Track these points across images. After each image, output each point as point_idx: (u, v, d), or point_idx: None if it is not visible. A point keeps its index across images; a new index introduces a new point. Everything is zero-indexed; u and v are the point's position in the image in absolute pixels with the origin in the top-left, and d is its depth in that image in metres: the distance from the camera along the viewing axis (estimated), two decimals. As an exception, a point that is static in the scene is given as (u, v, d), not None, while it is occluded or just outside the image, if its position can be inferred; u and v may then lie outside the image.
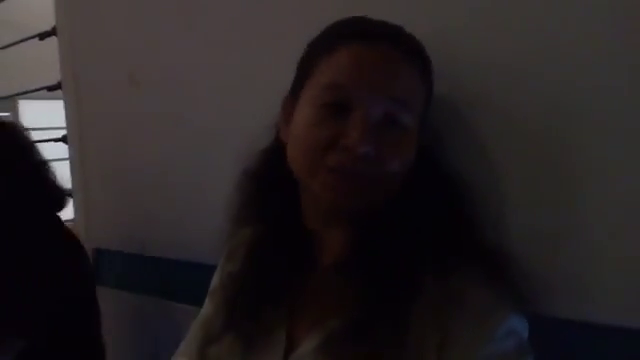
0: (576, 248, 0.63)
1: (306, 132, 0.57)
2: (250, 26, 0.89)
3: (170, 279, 1.08)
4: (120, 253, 1.19)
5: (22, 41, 1.39)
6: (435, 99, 0.64)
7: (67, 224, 1.04)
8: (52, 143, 1.30)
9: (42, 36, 1.28)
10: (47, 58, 1.30)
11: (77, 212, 1.26)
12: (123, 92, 1.11)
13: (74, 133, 1.24)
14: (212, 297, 0.72)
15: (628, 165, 0.60)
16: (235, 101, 0.92)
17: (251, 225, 0.68)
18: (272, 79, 0.64)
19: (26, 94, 1.52)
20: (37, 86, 1.37)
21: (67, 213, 1.09)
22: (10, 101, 4.69)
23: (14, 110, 5.17)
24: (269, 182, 0.65)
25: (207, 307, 0.72)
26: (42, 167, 1.01)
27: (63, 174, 1.26)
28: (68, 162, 1.28)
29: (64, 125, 1.27)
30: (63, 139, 1.28)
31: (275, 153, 0.64)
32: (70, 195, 1.10)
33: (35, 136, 1.10)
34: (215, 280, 0.74)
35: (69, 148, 1.25)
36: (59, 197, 1.03)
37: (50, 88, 1.29)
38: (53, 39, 1.27)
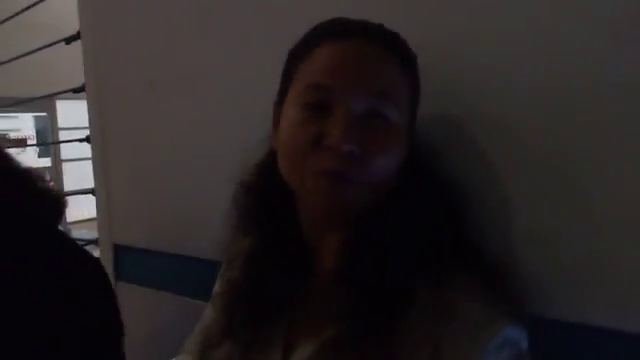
0: (576, 251, 0.63)
1: (289, 134, 0.57)
2: (263, 32, 0.91)
3: (188, 276, 1.11)
4: (139, 249, 1.23)
5: (49, 45, 1.44)
6: (433, 101, 0.64)
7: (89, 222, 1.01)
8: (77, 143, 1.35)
9: (68, 40, 1.33)
10: (78, 60, 1.33)
11: (99, 210, 1.30)
12: (143, 94, 1.14)
13: (96, 133, 1.28)
14: (213, 302, 0.73)
15: (628, 167, 0.59)
16: (249, 102, 0.94)
17: (249, 235, 0.68)
18: None
19: (58, 95, 1.58)
20: (67, 87, 1.41)
21: (89, 212, 1.09)
22: (47, 101, 4.85)
23: (51, 110, 5.35)
24: (265, 193, 0.65)
25: (208, 311, 0.74)
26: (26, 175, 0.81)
27: (88, 173, 1.32)
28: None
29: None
30: (87, 139, 1.32)
31: (268, 165, 0.64)
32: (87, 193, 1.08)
33: (67, 135, 1.11)
34: (216, 286, 0.75)
35: (92, 148, 1.30)
36: (56, 206, 0.84)
37: (75, 90, 1.34)
38: (79, 42, 1.32)
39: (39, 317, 0.69)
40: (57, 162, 5.40)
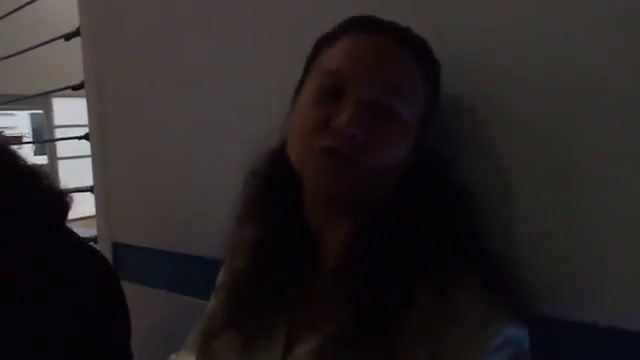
0: (580, 250, 0.63)
1: (301, 115, 0.59)
2: (263, 28, 0.91)
3: (187, 275, 1.10)
4: (139, 248, 1.22)
5: (48, 42, 1.43)
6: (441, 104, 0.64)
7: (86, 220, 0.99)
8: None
9: (67, 37, 1.33)
10: (75, 57, 1.33)
11: (98, 208, 1.30)
12: (143, 92, 1.14)
13: (95, 131, 1.27)
14: (217, 293, 0.73)
15: (632, 167, 0.59)
16: (249, 100, 0.94)
17: (255, 224, 0.69)
18: (285, 79, 0.65)
19: (56, 92, 1.57)
20: (65, 85, 1.41)
21: (84, 210, 1.09)
22: (44, 98, 4.83)
23: (47, 107, 5.32)
24: (274, 181, 0.66)
25: (212, 303, 0.74)
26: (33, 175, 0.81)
27: (87, 170, 1.31)
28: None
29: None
30: (86, 137, 1.32)
31: (281, 153, 0.65)
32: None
33: (64, 133, 1.11)
34: (221, 277, 0.75)
35: (91, 146, 1.29)
36: (61, 203, 0.84)
37: (74, 87, 1.33)
38: (78, 39, 1.31)
39: (44, 314, 0.69)
40: (53, 160, 5.38)
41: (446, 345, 0.52)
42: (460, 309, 0.53)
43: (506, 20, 0.66)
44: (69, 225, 0.87)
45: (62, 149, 5.30)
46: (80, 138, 1.34)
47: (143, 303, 1.21)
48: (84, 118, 1.30)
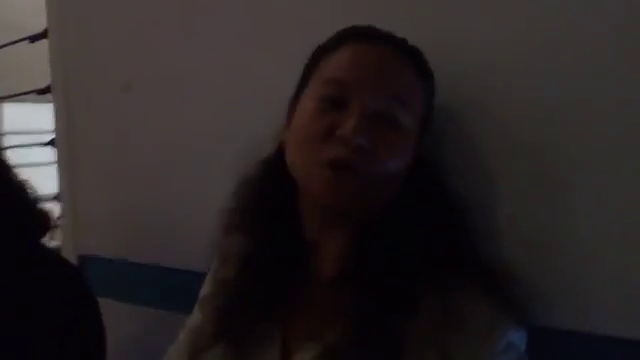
0: (575, 259, 0.64)
1: (303, 123, 0.58)
2: (249, 29, 0.89)
3: (160, 286, 1.06)
4: (108, 260, 1.16)
5: (12, 43, 1.37)
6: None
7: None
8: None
9: (33, 39, 1.27)
10: (37, 61, 1.27)
11: (64, 218, 1.23)
12: (115, 96, 1.09)
13: (62, 137, 1.21)
14: (202, 305, 0.70)
15: (629, 176, 0.61)
16: (234, 107, 0.91)
17: (245, 234, 0.67)
18: (272, 84, 0.64)
19: (13, 97, 1.50)
20: (26, 89, 1.35)
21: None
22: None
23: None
24: (268, 191, 0.65)
25: (196, 315, 0.71)
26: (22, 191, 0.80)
27: (49, 179, 1.24)
28: (55, 166, 1.25)
29: (50, 129, 1.25)
30: (51, 143, 1.25)
31: (276, 162, 0.64)
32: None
33: (18, 140, 1.06)
34: (205, 288, 0.72)
35: (57, 152, 1.23)
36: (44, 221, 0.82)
37: (40, 91, 1.27)
38: (44, 42, 1.25)
39: (18, 329, 0.66)
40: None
41: (454, 350, 0.52)
42: (465, 313, 0.53)
43: (505, 34, 0.67)
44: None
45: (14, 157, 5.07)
46: (45, 145, 1.28)
47: (111, 317, 1.16)
48: (40, 124, 1.24)
